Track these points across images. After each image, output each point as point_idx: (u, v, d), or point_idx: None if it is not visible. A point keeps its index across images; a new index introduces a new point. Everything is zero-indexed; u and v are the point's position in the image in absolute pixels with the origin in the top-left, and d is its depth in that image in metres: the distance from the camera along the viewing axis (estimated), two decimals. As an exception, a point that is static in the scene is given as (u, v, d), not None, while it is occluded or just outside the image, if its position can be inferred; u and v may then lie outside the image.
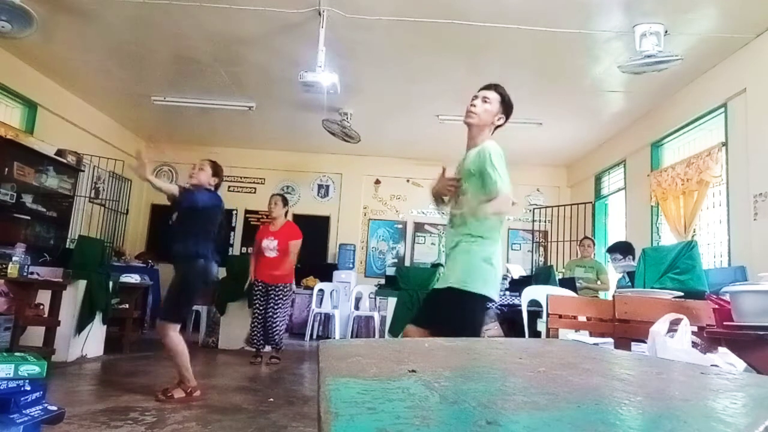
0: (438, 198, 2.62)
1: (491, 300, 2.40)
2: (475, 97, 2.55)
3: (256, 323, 5.19)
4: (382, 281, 7.35)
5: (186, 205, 3.44)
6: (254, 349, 5.22)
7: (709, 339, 1.95)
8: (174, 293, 3.41)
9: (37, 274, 4.20)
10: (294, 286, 5.45)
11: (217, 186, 3.67)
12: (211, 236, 3.51)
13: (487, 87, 2.57)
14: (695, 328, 2.03)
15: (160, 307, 3.50)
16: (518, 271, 6.68)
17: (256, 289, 5.22)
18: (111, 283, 4.99)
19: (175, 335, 3.36)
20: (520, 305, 4.04)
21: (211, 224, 3.54)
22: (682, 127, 5.75)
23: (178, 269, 3.46)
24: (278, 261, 5.13)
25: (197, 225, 3.45)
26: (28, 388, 2.19)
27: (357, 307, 7.49)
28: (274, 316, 5.14)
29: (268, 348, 5.25)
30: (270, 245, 5.13)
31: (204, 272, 3.43)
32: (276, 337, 5.17)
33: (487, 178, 2.31)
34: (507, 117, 2.56)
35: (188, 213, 3.44)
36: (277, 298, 5.15)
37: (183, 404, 3.18)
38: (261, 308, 5.18)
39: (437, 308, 2.42)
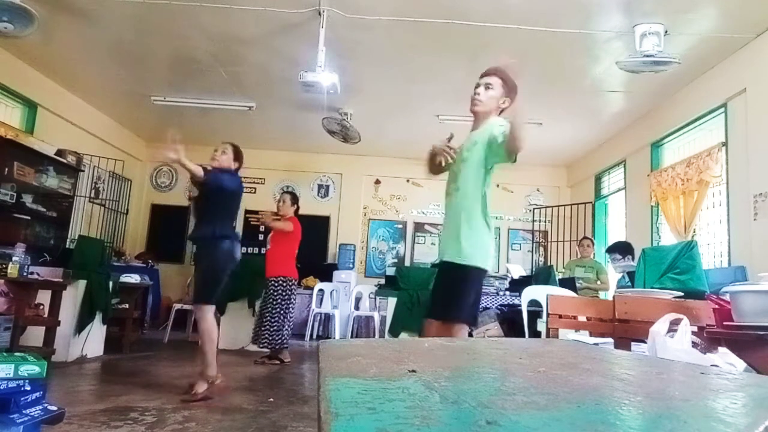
0: (432, 159, 2.70)
1: (486, 272, 2.51)
2: (478, 84, 2.60)
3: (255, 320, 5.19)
4: (382, 281, 7.34)
5: (212, 186, 3.43)
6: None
7: (709, 339, 1.95)
8: (204, 276, 3.42)
9: (37, 274, 4.19)
10: (292, 282, 5.16)
11: (237, 170, 3.68)
12: (234, 218, 3.58)
13: (489, 72, 2.62)
14: (695, 328, 2.03)
15: (194, 292, 3.53)
16: (518, 271, 6.68)
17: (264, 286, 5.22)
18: (111, 283, 4.99)
19: (211, 317, 3.39)
20: (520, 305, 4.04)
21: (235, 206, 3.60)
22: (682, 127, 5.75)
23: (203, 252, 3.45)
24: (271, 252, 5.12)
25: (222, 206, 3.49)
26: (28, 388, 2.19)
27: (357, 307, 7.49)
28: (266, 311, 5.04)
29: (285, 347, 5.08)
30: (269, 239, 5.16)
31: (230, 252, 3.46)
32: (266, 334, 5.00)
33: (496, 130, 2.38)
34: (512, 99, 2.60)
35: (214, 194, 3.45)
36: (269, 292, 5.06)
37: (182, 404, 3.18)
38: (261, 305, 5.16)
39: (438, 288, 2.52)
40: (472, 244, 2.41)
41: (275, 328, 5.02)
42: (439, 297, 2.51)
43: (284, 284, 5.08)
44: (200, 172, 3.35)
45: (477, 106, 2.57)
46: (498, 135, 2.37)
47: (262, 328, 5.05)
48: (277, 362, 5.01)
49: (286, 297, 5.09)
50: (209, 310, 3.40)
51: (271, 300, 5.06)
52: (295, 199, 5.32)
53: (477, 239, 2.43)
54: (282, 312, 5.06)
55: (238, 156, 3.67)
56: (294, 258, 5.21)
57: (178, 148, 3.26)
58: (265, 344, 5.04)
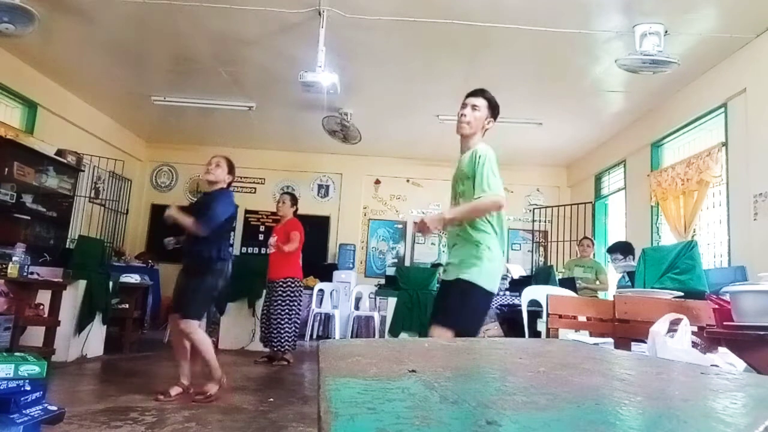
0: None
1: (493, 294, 2.49)
2: (464, 105, 2.62)
3: (261, 323, 5.20)
4: (382, 281, 7.35)
5: (216, 225, 3.42)
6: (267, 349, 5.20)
7: (709, 339, 1.95)
8: (197, 293, 3.43)
9: (37, 274, 4.20)
10: (299, 282, 5.19)
11: (230, 183, 3.69)
12: (228, 237, 3.61)
13: (474, 94, 2.65)
14: (695, 328, 2.03)
15: (178, 305, 3.50)
16: (518, 271, 6.69)
17: (266, 289, 5.23)
18: (111, 283, 4.99)
19: (200, 331, 3.46)
20: (520, 305, 4.04)
21: (229, 226, 3.61)
22: (682, 127, 5.75)
23: (197, 267, 3.45)
24: (276, 256, 5.12)
25: (219, 229, 3.49)
26: (28, 388, 2.19)
27: (357, 307, 7.49)
28: (274, 314, 5.04)
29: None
30: (271, 241, 5.13)
31: (225, 273, 3.51)
32: (277, 337, 5.02)
33: (476, 183, 2.43)
34: (495, 118, 2.66)
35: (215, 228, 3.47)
36: (276, 294, 5.06)
37: (182, 404, 3.18)
38: (265, 307, 5.17)
39: (445, 299, 2.51)
40: (483, 270, 2.40)
41: (284, 329, 5.05)
42: (446, 307, 2.49)
43: (292, 285, 5.11)
44: (194, 229, 3.38)
45: (464, 129, 2.60)
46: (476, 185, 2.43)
47: (272, 331, 5.05)
48: (285, 362, 5.05)
49: (294, 298, 5.13)
50: (196, 324, 3.43)
51: (279, 302, 5.06)
52: (294, 200, 5.33)
53: (486, 267, 2.42)
54: (292, 313, 5.10)
55: (231, 169, 3.66)
56: (299, 258, 5.25)
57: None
58: (277, 347, 5.05)
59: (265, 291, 5.31)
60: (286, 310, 5.06)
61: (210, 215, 3.39)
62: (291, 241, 5.01)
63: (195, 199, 8.83)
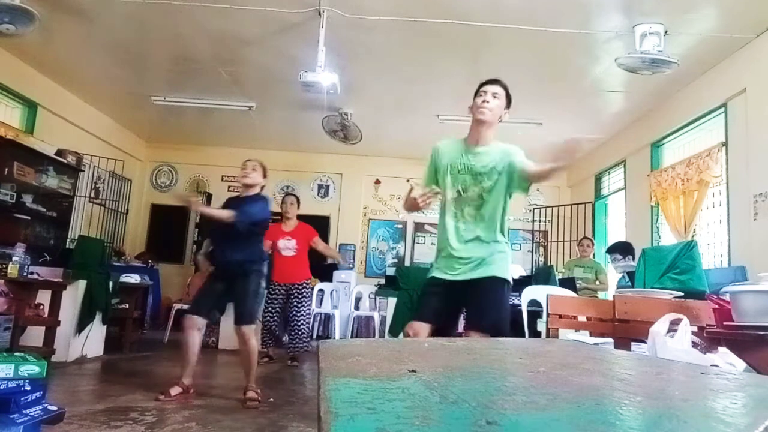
0: (413, 209, 2.76)
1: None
2: (484, 93, 2.57)
3: (269, 324, 5.20)
4: (382, 281, 7.34)
5: (250, 220, 3.45)
6: (264, 350, 5.20)
7: (709, 339, 1.95)
8: (251, 298, 3.48)
9: (37, 274, 4.19)
10: (312, 281, 5.35)
11: (262, 187, 3.73)
12: (260, 241, 3.69)
13: (492, 82, 2.61)
14: (695, 328, 2.03)
15: (239, 314, 3.54)
16: (518, 271, 6.67)
17: (274, 292, 5.20)
18: (111, 283, 4.98)
19: (255, 337, 3.55)
20: (520, 305, 4.04)
21: (261, 230, 3.67)
22: (682, 127, 5.75)
23: (243, 274, 3.48)
24: (297, 260, 5.15)
25: (256, 232, 3.57)
26: (28, 388, 2.19)
27: (357, 307, 7.49)
28: (298, 316, 5.11)
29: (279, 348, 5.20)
30: (288, 245, 5.12)
31: (261, 273, 3.59)
32: (298, 336, 5.09)
33: (517, 161, 2.54)
34: (509, 108, 2.67)
35: (250, 225, 3.49)
36: (300, 296, 5.14)
37: (182, 404, 3.18)
38: (278, 310, 5.18)
39: (483, 302, 2.44)
40: (507, 265, 2.56)
41: (304, 330, 5.16)
42: (493, 310, 2.42)
43: (310, 286, 5.29)
44: (224, 216, 3.40)
45: (486, 116, 2.54)
46: (522, 171, 2.49)
47: (301, 333, 5.11)
48: (296, 363, 5.11)
49: (311, 298, 5.36)
50: (254, 330, 3.54)
51: (303, 303, 5.16)
52: (299, 203, 5.45)
53: (509, 261, 2.59)
54: (310, 313, 5.33)
55: (266, 173, 3.72)
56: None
57: (192, 201, 3.60)
58: (299, 347, 5.14)
59: (278, 295, 5.27)
60: (308, 311, 5.23)
61: (246, 209, 3.45)
62: (324, 244, 5.29)
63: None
